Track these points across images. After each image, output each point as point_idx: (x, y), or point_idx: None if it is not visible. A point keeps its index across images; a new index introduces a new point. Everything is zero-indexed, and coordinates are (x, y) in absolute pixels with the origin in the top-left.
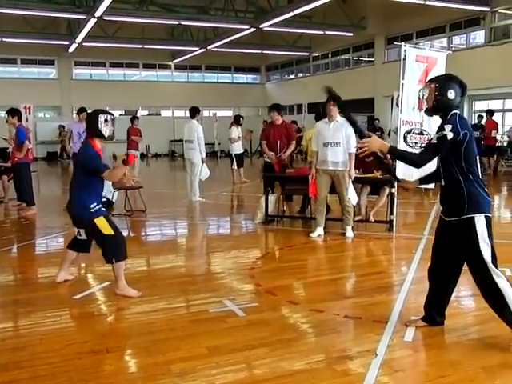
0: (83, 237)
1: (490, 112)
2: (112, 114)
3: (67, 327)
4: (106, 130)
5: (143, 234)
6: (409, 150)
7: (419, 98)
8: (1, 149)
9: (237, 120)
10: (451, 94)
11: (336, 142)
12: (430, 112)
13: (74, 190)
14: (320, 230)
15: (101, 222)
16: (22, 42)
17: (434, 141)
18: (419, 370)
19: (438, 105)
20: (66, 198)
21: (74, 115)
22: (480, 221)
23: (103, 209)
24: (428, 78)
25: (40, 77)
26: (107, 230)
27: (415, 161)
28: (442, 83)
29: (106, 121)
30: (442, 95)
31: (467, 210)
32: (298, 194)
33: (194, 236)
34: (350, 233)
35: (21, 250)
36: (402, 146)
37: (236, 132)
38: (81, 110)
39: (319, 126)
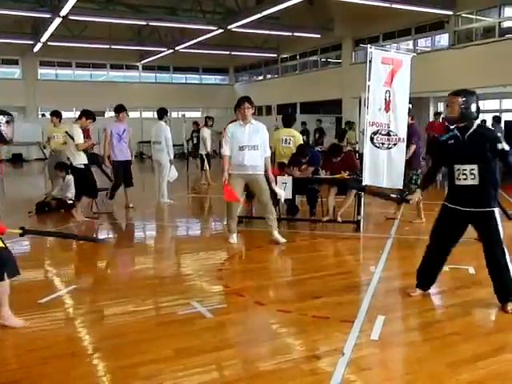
0: None
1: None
2: (11, 115)
3: (31, 332)
4: (7, 132)
5: (111, 236)
6: (375, 150)
7: (385, 99)
8: None
9: (206, 121)
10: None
11: (254, 145)
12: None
13: None
14: (234, 237)
15: None
16: None
17: (507, 147)
18: (386, 367)
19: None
20: (31, 200)
21: (110, 114)
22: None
23: None
24: (394, 80)
25: (4, 77)
26: None
27: None
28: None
29: (7, 122)
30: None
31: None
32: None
33: (163, 238)
34: (279, 237)
35: None
36: (368, 147)
37: (207, 133)
38: (120, 109)
39: (232, 129)
